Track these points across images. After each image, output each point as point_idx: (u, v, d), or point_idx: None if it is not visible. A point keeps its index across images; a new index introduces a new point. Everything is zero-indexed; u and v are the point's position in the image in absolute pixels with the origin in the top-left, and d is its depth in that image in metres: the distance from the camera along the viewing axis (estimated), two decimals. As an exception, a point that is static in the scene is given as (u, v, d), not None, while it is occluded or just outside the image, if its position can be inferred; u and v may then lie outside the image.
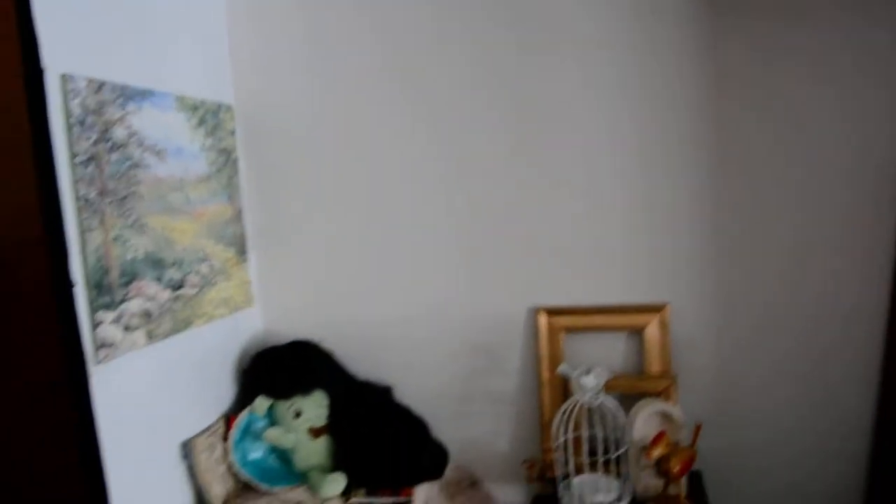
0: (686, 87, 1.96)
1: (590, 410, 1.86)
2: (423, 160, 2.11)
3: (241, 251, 2.16)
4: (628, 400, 1.98)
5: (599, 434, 1.83)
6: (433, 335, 2.17)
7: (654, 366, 2.03)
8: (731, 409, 2.06)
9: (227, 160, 2.11)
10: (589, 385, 1.81)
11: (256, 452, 2.00)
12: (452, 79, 2.06)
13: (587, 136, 2.02)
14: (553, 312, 2.08)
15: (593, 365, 1.85)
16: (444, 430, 2.12)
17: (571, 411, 1.84)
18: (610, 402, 1.85)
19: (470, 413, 2.18)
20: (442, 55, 2.06)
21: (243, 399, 2.07)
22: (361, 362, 2.18)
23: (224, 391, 2.07)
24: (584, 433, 1.84)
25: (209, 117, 2.04)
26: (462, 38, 2.04)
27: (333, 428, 2.02)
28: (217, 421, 1.97)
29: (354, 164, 2.14)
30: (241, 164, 2.18)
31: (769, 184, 1.97)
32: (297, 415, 1.99)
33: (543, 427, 2.08)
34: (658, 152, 2.00)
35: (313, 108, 2.14)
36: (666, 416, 1.91)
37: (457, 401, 2.18)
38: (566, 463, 1.87)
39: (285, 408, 2.00)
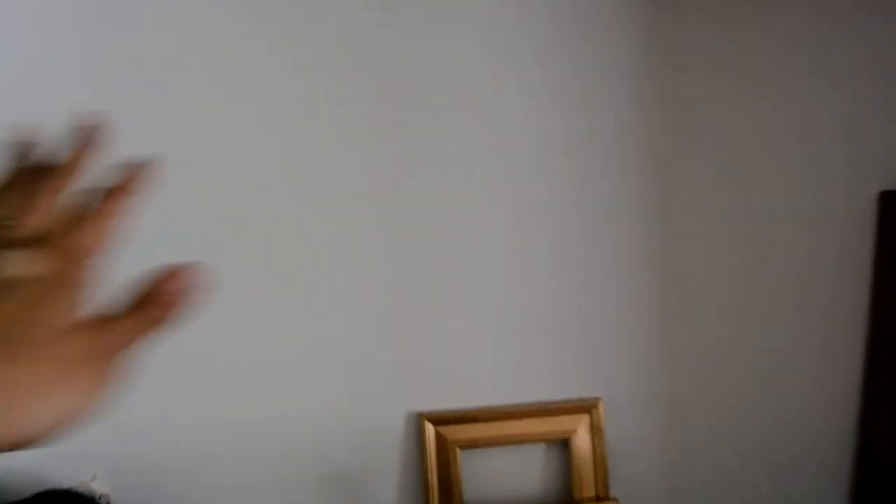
0: (631, 143, 1.44)
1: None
2: (258, 188, 1.43)
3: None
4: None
5: None
6: (265, 460, 1.46)
7: (586, 487, 1.46)
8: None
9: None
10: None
11: None
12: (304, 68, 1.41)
13: (498, 175, 1.45)
14: (442, 420, 1.45)
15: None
16: None
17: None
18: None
19: (324, 573, 1.49)
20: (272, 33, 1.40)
21: None
22: (156, 509, 1.44)
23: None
24: None
25: None
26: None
27: None
28: None
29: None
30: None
31: (721, 248, 1.49)
32: None
33: (436, 590, 1.44)
34: (592, 194, 1.46)
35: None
36: (615, 570, 1.35)
37: (304, 556, 1.49)
38: None
39: None
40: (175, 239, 1.41)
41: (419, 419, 1.45)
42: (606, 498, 1.46)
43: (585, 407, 1.46)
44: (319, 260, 1.44)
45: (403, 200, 1.44)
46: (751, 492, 1.55)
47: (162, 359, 1.40)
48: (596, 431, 1.46)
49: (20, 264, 0.43)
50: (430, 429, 1.44)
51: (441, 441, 1.44)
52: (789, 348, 1.53)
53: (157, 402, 1.45)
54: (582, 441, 1.46)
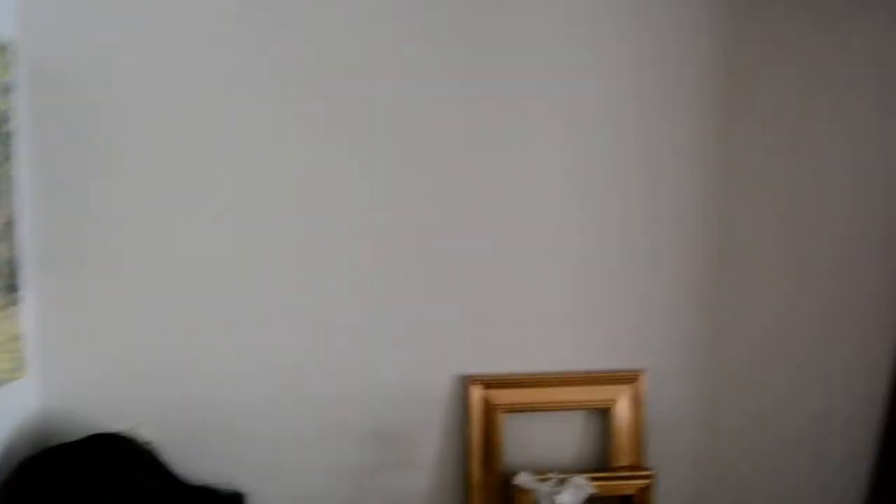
0: (687, 122, 1.48)
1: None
2: (311, 156, 1.42)
3: (10, 287, 1.35)
4: (591, 507, 1.43)
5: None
6: (311, 417, 1.47)
7: (624, 456, 1.50)
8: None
9: (-10, 136, 1.29)
10: (565, 505, 1.24)
11: None
12: (372, 52, 1.40)
13: (555, 160, 1.47)
14: (491, 384, 1.47)
15: (560, 473, 1.29)
16: (326, 556, 1.46)
17: (538, 543, 1.25)
18: (588, 525, 1.29)
19: (362, 527, 1.52)
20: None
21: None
22: (200, 461, 1.45)
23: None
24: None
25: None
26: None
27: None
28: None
29: (203, 156, 1.39)
30: (22, 142, 1.36)
31: (772, 242, 1.54)
32: (98, 562, 1.23)
33: (472, 548, 1.48)
34: (644, 183, 1.49)
35: (149, 58, 1.36)
36: (653, 536, 1.39)
37: (341, 510, 1.51)
38: None
39: (77, 551, 1.23)
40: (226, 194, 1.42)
41: (466, 381, 1.47)
42: (642, 467, 1.49)
43: (628, 378, 1.50)
44: (372, 219, 1.44)
45: (464, 169, 1.45)
46: (779, 474, 1.59)
47: (211, 314, 1.42)
48: (637, 403, 1.49)
49: None
50: (477, 391, 1.46)
51: (486, 403, 1.47)
52: (829, 340, 1.57)
53: (202, 356, 1.46)
54: (622, 411, 1.49)
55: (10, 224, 1.33)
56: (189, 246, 1.42)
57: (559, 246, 1.48)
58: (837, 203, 1.53)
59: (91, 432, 1.35)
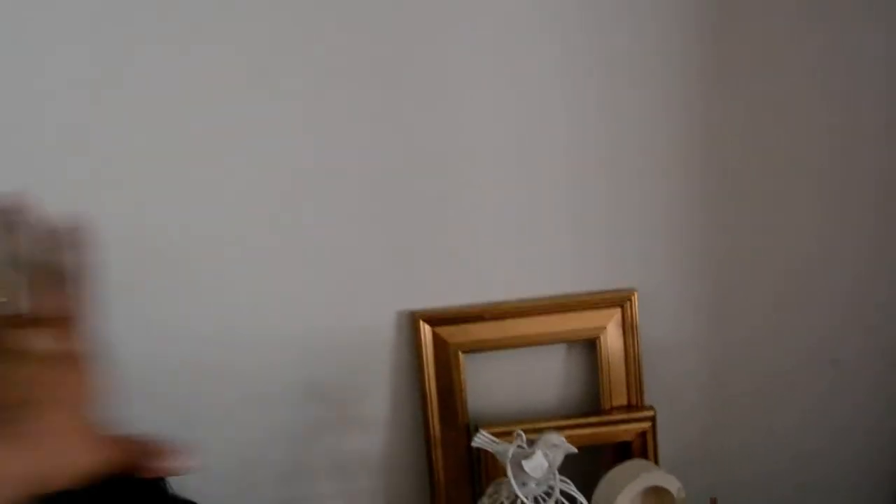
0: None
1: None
2: (215, 73, 1.10)
3: None
4: (580, 458, 1.15)
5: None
6: (236, 370, 1.19)
7: (617, 394, 1.22)
8: (718, 446, 1.31)
9: None
10: (536, 472, 0.96)
11: None
12: None
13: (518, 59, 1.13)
14: (440, 320, 1.19)
15: (529, 425, 1.01)
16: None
17: (505, 517, 0.99)
18: (570, 490, 1.02)
19: (305, 498, 1.26)
20: None
21: None
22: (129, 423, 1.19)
23: None
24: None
25: None
26: None
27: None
28: None
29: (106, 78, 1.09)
30: None
31: (760, 140, 1.20)
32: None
33: (437, 513, 1.22)
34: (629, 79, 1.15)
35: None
36: (656, 493, 1.11)
37: (280, 479, 1.24)
38: None
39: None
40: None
41: (411, 318, 1.19)
42: (641, 406, 1.22)
43: (616, 300, 1.20)
44: (326, 146, 1.14)
45: (407, 77, 1.13)
46: (802, 393, 1.32)
47: (129, 273, 1.13)
48: (629, 329, 1.20)
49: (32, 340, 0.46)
50: (426, 330, 1.18)
51: (440, 344, 1.18)
52: (833, 250, 1.26)
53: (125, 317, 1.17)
54: (612, 340, 1.20)
55: None
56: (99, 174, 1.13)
57: (514, 156, 1.16)
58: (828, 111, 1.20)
59: None
